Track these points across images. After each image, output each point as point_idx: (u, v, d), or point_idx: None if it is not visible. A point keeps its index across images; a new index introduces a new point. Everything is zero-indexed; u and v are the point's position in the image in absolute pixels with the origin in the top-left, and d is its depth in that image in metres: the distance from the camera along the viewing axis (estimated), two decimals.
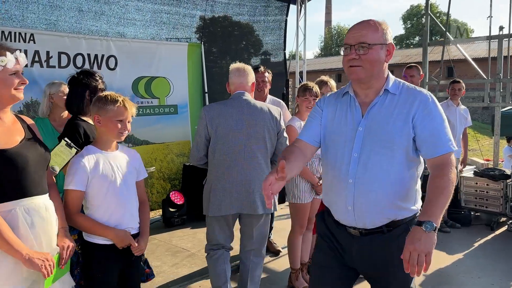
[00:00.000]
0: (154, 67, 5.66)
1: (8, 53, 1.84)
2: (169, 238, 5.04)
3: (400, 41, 50.44)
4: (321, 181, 3.34)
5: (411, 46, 45.47)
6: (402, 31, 51.94)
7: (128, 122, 2.34)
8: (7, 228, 1.78)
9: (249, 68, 3.18)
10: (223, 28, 6.88)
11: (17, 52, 1.89)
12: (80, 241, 2.36)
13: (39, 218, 1.92)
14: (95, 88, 2.78)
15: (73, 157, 2.34)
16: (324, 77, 3.98)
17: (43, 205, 1.96)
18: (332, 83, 3.95)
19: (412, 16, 50.67)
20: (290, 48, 7.84)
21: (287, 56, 7.49)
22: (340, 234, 2.00)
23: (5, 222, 1.79)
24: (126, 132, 2.33)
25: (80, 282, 2.46)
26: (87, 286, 2.38)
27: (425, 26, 6.98)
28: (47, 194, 2.02)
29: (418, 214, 1.89)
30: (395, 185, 1.84)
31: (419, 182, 1.95)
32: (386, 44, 1.86)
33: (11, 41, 4.57)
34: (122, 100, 2.30)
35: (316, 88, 3.55)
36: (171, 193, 5.54)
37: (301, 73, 7.58)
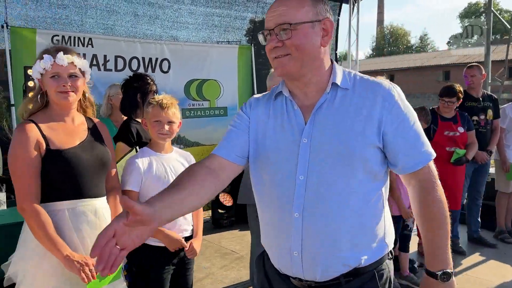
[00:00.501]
0: (206, 70, 5.74)
1: (45, 55, 1.86)
2: (218, 240, 5.07)
3: (458, 40, 48.35)
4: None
5: (469, 45, 43.45)
6: (460, 30, 49.78)
7: (172, 123, 2.32)
8: (50, 227, 1.80)
9: None
10: None
11: (59, 53, 1.87)
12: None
13: (85, 222, 1.93)
14: (146, 90, 2.84)
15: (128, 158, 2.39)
16: (380, 77, 3.82)
17: (93, 208, 1.97)
18: None
19: (470, 14, 48.38)
20: (341, 48, 7.66)
21: (338, 57, 7.35)
22: (282, 287, 1.48)
23: (50, 221, 1.81)
24: (168, 134, 2.31)
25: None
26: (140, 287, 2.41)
27: (487, 24, 6.59)
28: (103, 197, 2.03)
29: (388, 251, 1.45)
30: (359, 215, 1.35)
31: (387, 206, 1.46)
32: (318, 21, 1.35)
33: (70, 45, 4.78)
34: (161, 101, 2.29)
35: None
36: (220, 195, 5.58)
37: None
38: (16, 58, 4.63)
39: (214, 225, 5.57)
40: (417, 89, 30.78)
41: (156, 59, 5.28)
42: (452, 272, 1.34)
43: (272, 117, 1.46)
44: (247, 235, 5.15)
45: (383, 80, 1.45)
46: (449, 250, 1.37)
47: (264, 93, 1.59)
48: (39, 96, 1.94)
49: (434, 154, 1.39)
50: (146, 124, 2.36)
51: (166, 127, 2.29)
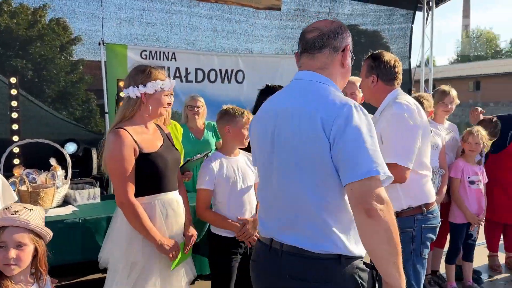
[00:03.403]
0: (277, 80, 6.01)
1: (166, 78, 2.25)
2: None
3: None
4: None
5: None
6: None
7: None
8: (146, 218, 2.17)
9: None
10: None
11: (172, 78, 2.32)
12: (208, 233, 2.72)
13: (171, 211, 2.31)
14: None
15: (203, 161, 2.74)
16: (445, 87, 3.84)
17: (175, 199, 2.35)
18: (453, 92, 3.77)
19: None
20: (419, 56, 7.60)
21: (416, 64, 7.31)
22: None
23: (145, 213, 2.18)
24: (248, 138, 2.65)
25: None
26: (213, 273, 2.73)
27: None
28: (178, 190, 2.41)
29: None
30: None
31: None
32: None
33: (156, 59, 5.34)
34: (246, 113, 2.65)
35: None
36: None
37: (427, 81, 7.32)
38: (111, 71, 5.26)
39: None
40: (506, 97, 28.77)
41: (232, 71, 5.69)
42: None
43: None
44: None
45: None
46: (400, 271, 1.39)
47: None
48: (134, 107, 2.24)
49: (380, 172, 1.39)
50: (230, 131, 2.62)
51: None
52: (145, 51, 5.35)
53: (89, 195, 3.78)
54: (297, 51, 1.72)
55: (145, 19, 5.28)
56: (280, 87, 3.20)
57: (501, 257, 4.42)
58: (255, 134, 1.74)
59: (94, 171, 4.62)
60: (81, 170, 4.49)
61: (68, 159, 3.31)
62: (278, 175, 1.58)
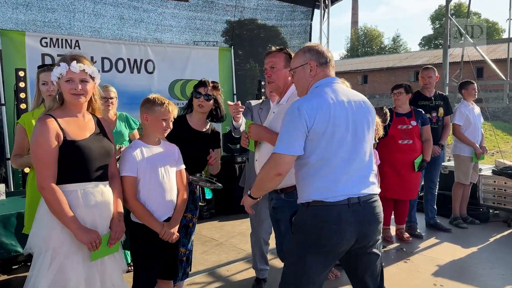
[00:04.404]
0: (188, 70, 6.07)
1: (62, 63, 2.23)
2: (198, 230, 5.41)
3: (429, 41, 49.76)
4: None
5: (440, 46, 44.86)
6: (431, 31, 51.24)
7: (171, 121, 2.71)
8: (66, 204, 2.16)
9: None
10: (250, 31, 7.25)
11: (73, 62, 2.23)
12: (127, 222, 2.63)
13: (94, 201, 2.29)
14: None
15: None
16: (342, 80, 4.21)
17: (100, 190, 2.33)
18: (347, 84, 4.17)
19: (440, 16, 49.88)
20: None
21: None
22: None
23: (65, 199, 2.17)
24: (169, 129, 2.70)
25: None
26: (134, 263, 2.72)
27: (444, 29, 7.17)
28: (107, 182, 2.40)
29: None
30: None
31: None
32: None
33: (58, 47, 5.07)
34: (168, 103, 2.69)
35: None
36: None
37: None
38: (7, 59, 4.88)
39: None
40: (389, 89, 31.63)
41: (141, 60, 5.60)
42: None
43: None
44: (226, 225, 5.54)
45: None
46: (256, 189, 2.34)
47: None
48: (57, 96, 2.30)
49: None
50: (148, 119, 2.65)
51: (170, 124, 2.68)
52: (45, 38, 5.06)
53: None
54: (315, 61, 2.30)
55: (45, 5, 4.97)
56: (214, 82, 3.33)
57: (392, 230, 5.03)
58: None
59: None
60: None
61: None
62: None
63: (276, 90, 2.80)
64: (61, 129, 2.20)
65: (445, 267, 4.16)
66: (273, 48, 2.81)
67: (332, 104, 2.13)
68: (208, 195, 5.91)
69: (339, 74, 1.97)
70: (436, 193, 5.37)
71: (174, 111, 2.71)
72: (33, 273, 2.21)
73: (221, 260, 4.41)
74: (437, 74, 5.25)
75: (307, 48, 2.34)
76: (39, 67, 3.31)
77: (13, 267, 3.99)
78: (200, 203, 5.80)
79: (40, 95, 3.18)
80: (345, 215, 2.08)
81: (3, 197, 3.76)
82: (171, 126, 2.72)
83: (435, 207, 5.37)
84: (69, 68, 2.23)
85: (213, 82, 3.31)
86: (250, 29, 7.32)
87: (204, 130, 3.27)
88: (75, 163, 2.23)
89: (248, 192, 2.40)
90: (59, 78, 2.25)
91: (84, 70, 2.26)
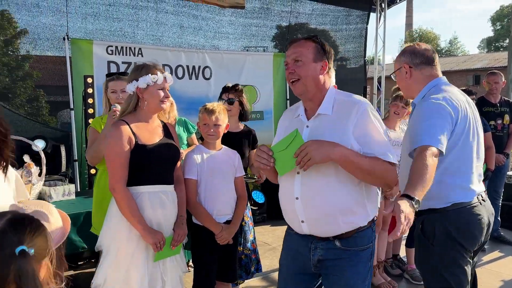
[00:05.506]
0: (243, 76, 6.17)
1: (158, 72, 2.35)
2: None
3: (489, 43, 47.39)
4: None
5: (501, 49, 42.59)
6: (491, 33, 48.78)
7: (215, 126, 2.71)
8: (135, 205, 2.27)
9: None
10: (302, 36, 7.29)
11: (166, 73, 2.38)
12: (190, 224, 2.71)
13: (161, 204, 2.38)
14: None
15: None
16: None
17: (166, 193, 2.42)
18: None
19: (502, 17, 47.38)
20: (370, 54, 8.04)
21: (366, 62, 7.72)
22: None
23: (135, 202, 2.28)
24: (213, 134, 2.70)
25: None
26: (194, 264, 2.82)
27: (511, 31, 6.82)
28: (172, 185, 2.49)
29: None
30: None
31: None
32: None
33: (123, 55, 5.32)
34: (212, 109, 2.72)
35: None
36: (253, 192, 5.99)
37: (380, 78, 7.74)
38: (76, 66, 5.18)
39: None
40: None
41: (199, 67, 5.77)
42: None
43: None
44: (278, 229, 5.57)
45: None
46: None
47: None
48: (131, 102, 2.39)
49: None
50: (199, 126, 2.76)
51: (212, 129, 2.71)
52: (111, 46, 5.32)
53: (64, 191, 3.77)
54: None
55: (111, 14, 5.24)
56: (236, 85, 3.37)
57: None
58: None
59: (63, 168, 4.58)
60: (50, 167, 4.44)
61: (43, 155, 3.30)
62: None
63: (304, 94, 1.94)
64: (133, 133, 2.30)
65: (510, 284, 3.95)
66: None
67: (466, 101, 2.14)
68: (260, 199, 6.00)
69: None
70: (500, 204, 5.10)
71: (214, 115, 2.69)
72: (100, 269, 2.34)
73: (275, 265, 4.43)
74: (503, 80, 5.02)
75: (402, 50, 2.27)
76: (107, 75, 3.48)
77: (79, 262, 4.24)
78: (252, 207, 5.95)
79: (108, 102, 3.35)
80: (482, 212, 2.14)
81: (73, 196, 3.97)
82: (216, 132, 2.72)
83: (499, 218, 5.11)
84: (165, 78, 2.37)
85: (234, 85, 3.35)
86: (302, 34, 7.34)
87: (238, 130, 3.34)
88: (145, 167, 2.33)
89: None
90: (148, 84, 2.33)
91: (166, 78, 2.40)
